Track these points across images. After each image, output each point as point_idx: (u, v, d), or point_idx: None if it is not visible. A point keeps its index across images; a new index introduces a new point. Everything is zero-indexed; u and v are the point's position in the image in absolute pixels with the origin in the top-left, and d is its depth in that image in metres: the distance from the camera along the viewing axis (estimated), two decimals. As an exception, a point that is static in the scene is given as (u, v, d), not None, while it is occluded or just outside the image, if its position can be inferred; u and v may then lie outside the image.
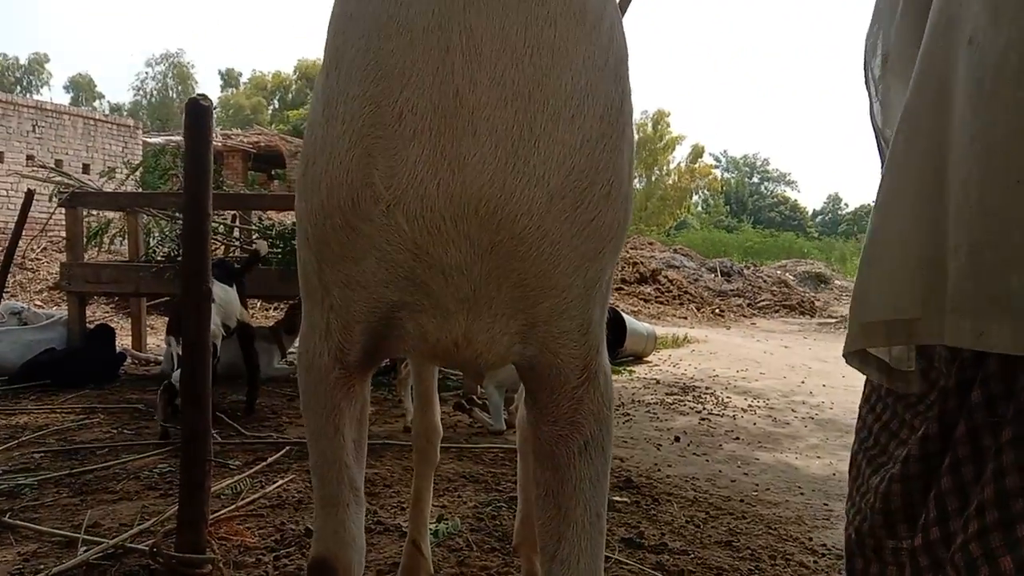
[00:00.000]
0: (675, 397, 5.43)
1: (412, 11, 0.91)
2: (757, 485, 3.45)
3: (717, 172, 52.09)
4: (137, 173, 6.21)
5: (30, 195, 4.70)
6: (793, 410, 5.22)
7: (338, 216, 0.99)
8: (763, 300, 14.05)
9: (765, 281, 15.39)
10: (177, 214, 5.55)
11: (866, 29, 1.24)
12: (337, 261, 1.03)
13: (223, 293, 4.20)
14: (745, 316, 12.89)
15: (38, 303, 8.93)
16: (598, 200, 0.98)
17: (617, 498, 3.07)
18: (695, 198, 46.29)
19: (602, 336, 1.11)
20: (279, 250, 5.30)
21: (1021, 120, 0.81)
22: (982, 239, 0.83)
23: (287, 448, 3.51)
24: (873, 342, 1.01)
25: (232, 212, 6.41)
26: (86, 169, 15.71)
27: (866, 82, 1.21)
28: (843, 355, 1.07)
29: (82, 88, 55.12)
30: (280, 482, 3.02)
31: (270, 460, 3.29)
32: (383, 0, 0.93)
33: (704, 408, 5.12)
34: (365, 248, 0.99)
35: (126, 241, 6.46)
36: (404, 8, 0.91)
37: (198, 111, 2.02)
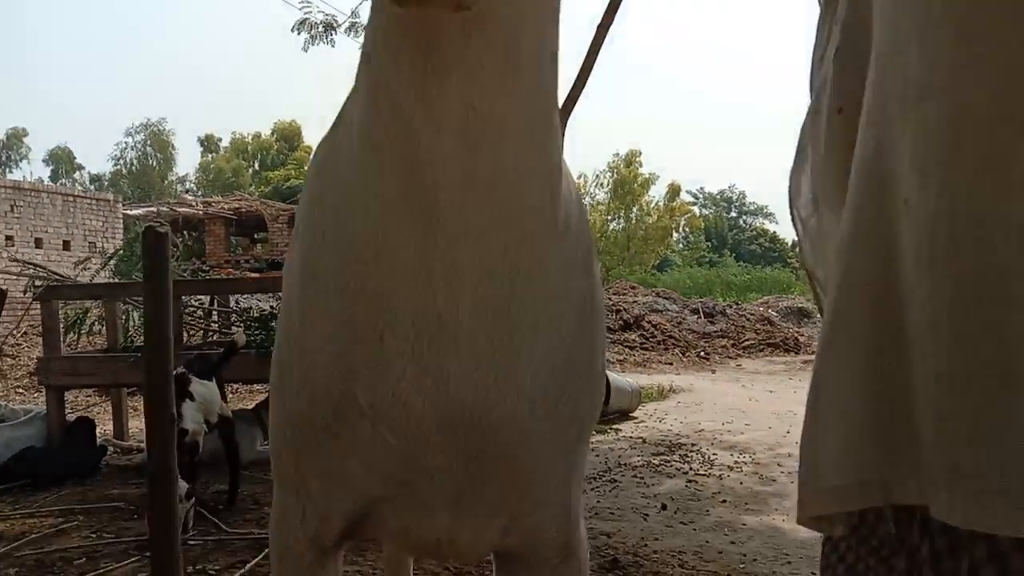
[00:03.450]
0: (661, 458, 5.42)
1: (391, 241, 0.90)
2: (744, 555, 3.43)
3: (695, 209, 52.63)
4: (112, 262, 6.21)
5: (2, 295, 4.68)
6: (779, 464, 5.22)
7: (320, 425, 0.99)
8: (748, 339, 14.09)
9: (748, 319, 15.44)
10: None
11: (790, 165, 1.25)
12: (317, 459, 1.02)
13: (204, 390, 4.19)
14: (730, 357, 12.91)
15: (20, 391, 8.84)
16: (577, 392, 1.01)
17: (603, 582, 3.05)
18: (675, 236, 46.67)
19: (580, 509, 1.12)
20: (257, 335, 5.30)
21: (960, 292, 0.80)
22: (942, 408, 0.83)
23: (268, 549, 3.46)
24: (835, 506, 0.99)
25: (210, 296, 6.42)
26: (66, 246, 15.71)
27: (792, 221, 1.22)
28: (798, 522, 1.06)
29: (62, 160, 55.34)
30: (260, 588, 2.99)
31: (250, 565, 3.25)
32: (360, 227, 0.93)
33: (691, 468, 5.11)
34: (348, 451, 0.99)
35: (105, 328, 6.44)
36: (383, 237, 0.91)
37: (155, 239, 2.04)
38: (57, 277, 5.83)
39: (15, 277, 6.35)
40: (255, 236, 25.90)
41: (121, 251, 6.39)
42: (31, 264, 6.08)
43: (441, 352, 0.91)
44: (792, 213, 1.22)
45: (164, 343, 2.11)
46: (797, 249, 1.22)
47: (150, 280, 2.08)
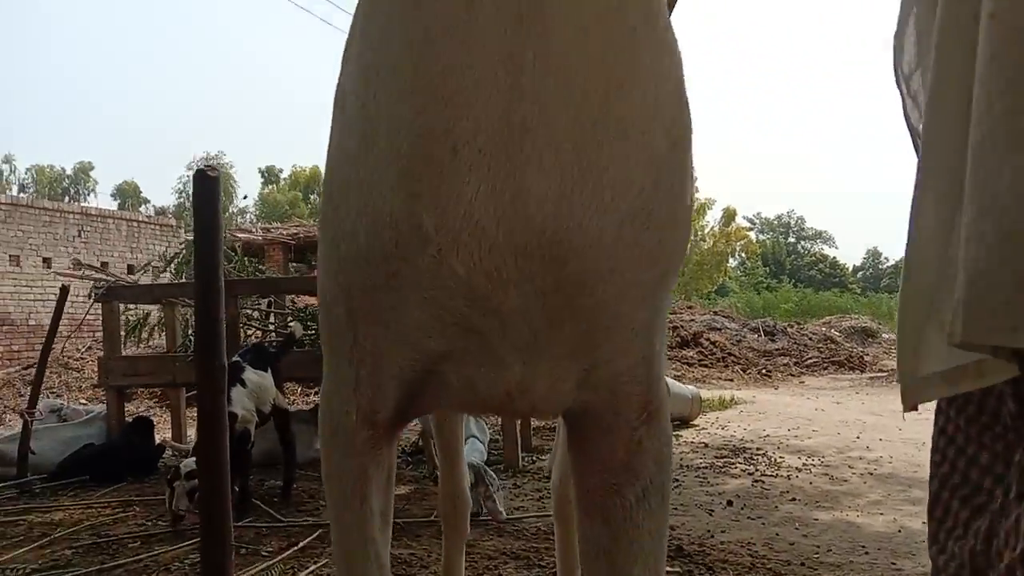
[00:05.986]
0: (725, 460, 5.21)
1: (475, 25, 0.78)
2: (818, 547, 3.23)
3: (752, 235, 51.80)
4: (172, 265, 6.31)
5: (64, 291, 4.77)
6: (850, 466, 4.96)
7: (379, 262, 0.88)
8: (810, 358, 13.68)
9: (811, 339, 15.02)
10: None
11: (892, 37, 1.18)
12: (374, 312, 0.92)
13: (257, 378, 4.16)
14: (792, 375, 12.53)
15: (83, 401, 9.01)
16: (664, 220, 0.89)
17: (668, 569, 2.89)
18: (732, 262, 45.95)
19: (663, 366, 1.00)
20: (314, 332, 5.29)
21: None
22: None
23: (320, 531, 3.39)
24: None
25: (267, 299, 6.47)
26: (130, 269, 16.13)
27: (896, 81, 1.14)
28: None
29: (128, 195, 57.32)
30: (313, 567, 2.90)
31: (303, 544, 3.18)
32: (437, 17, 0.80)
33: (756, 469, 4.89)
34: (409, 295, 0.88)
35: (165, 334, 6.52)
36: (464, 28, 0.79)
37: (206, 182, 2.01)
38: (117, 278, 5.93)
39: (76, 280, 6.49)
40: (313, 262, 26.31)
41: (181, 254, 6.48)
42: (92, 267, 6.20)
43: (521, 165, 0.79)
44: (896, 74, 1.15)
45: (215, 290, 2.06)
46: (903, 111, 1.13)
47: (199, 218, 2.04)
